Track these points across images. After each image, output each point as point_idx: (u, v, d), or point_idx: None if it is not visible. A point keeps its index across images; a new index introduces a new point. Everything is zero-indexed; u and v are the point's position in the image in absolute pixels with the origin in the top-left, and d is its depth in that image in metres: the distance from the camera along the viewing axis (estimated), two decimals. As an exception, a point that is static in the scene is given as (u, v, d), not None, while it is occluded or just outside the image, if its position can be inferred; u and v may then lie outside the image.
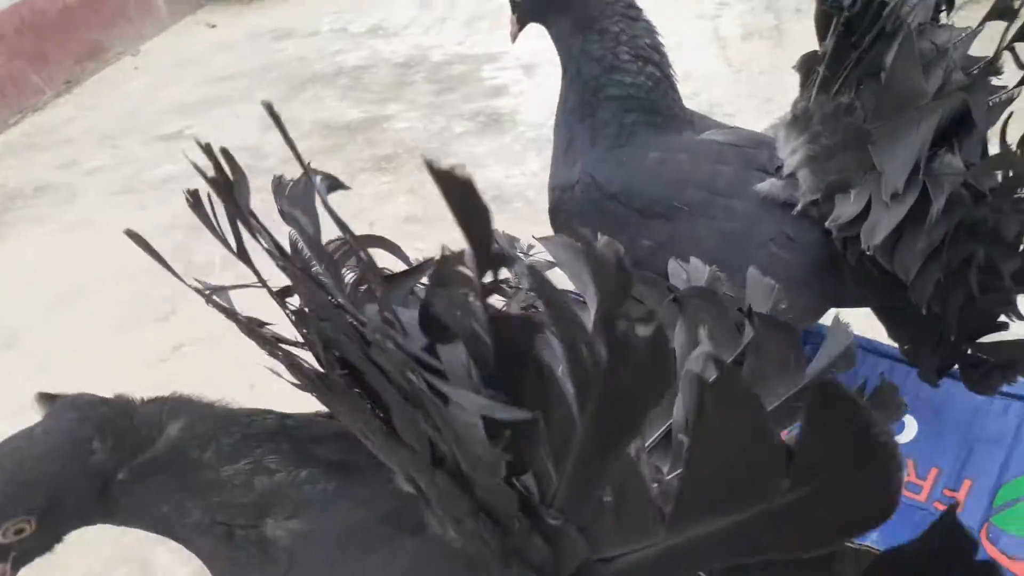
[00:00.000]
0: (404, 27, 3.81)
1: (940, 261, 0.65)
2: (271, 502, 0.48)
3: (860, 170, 0.69)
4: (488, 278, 0.30)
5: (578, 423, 0.33)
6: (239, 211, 0.40)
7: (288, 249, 0.45)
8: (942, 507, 0.74)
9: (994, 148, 0.68)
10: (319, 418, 0.55)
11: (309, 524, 0.47)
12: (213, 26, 4.23)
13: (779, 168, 0.79)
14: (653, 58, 0.85)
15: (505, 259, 0.30)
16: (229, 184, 0.39)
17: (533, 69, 3.04)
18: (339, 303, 0.39)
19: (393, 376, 0.37)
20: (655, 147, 0.82)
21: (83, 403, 0.48)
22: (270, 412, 0.54)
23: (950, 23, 0.73)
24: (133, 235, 0.46)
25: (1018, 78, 0.66)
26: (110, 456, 0.47)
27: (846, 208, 0.69)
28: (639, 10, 0.87)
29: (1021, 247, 0.66)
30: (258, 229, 0.41)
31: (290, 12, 4.25)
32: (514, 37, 0.95)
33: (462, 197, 0.28)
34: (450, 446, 0.36)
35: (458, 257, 0.31)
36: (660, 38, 0.87)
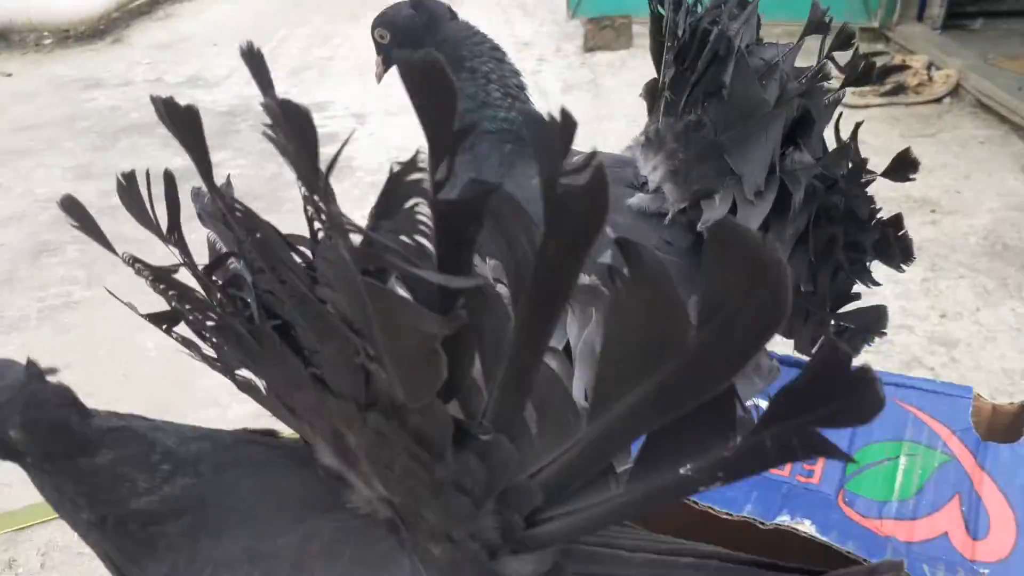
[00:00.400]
0: (225, 77, 3.71)
1: (807, 245, 0.73)
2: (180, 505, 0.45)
3: (720, 177, 0.75)
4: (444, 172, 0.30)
5: (512, 319, 0.34)
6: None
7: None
8: (803, 479, 0.80)
9: (833, 143, 0.77)
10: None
11: (216, 511, 0.45)
12: (8, 75, 3.92)
13: (644, 184, 0.84)
14: (521, 96, 0.89)
15: (465, 133, 0.31)
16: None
17: (364, 118, 3.05)
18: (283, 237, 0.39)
19: (336, 303, 0.37)
20: (535, 174, 0.85)
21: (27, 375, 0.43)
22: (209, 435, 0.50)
23: (774, 42, 0.82)
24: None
25: (840, 82, 0.76)
26: (27, 443, 0.43)
27: (714, 211, 0.75)
28: (503, 52, 0.90)
29: (874, 221, 0.75)
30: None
31: (95, 62, 4.03)
32: (379, 78, 0.96)
33: (426, 77, 0.28)
34: (386, 364, 0.35)
35: (411, 164, 0.32)
36: (522, 78, 0.92)
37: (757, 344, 0.29)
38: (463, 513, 0.39)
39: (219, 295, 0.43)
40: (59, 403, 0.44)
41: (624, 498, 0.37)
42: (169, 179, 0.47)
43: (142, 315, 0.48)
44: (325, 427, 0.45)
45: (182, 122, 0.37)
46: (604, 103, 3.22)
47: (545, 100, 3.36)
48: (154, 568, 0.45)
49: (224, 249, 0.46)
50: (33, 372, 0.43)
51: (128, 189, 0.43)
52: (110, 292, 0.54)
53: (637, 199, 0.83)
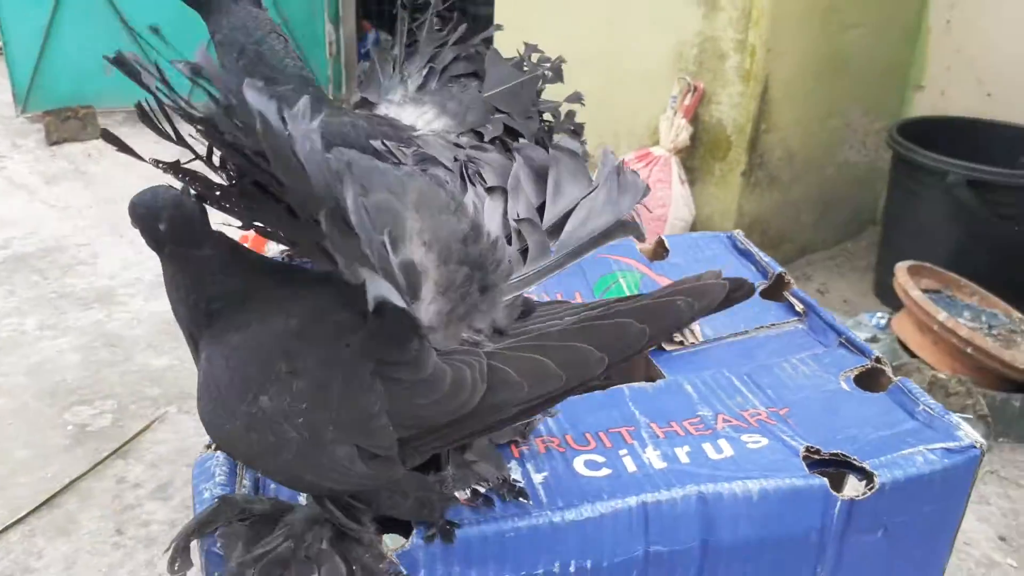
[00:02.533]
0: None
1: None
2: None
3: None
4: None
5: None
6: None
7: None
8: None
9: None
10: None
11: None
12: None
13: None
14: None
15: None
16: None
17: None
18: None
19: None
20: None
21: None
22: None
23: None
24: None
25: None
26: (167, 234, 0.56)
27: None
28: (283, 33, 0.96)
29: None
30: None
31: None
32: None
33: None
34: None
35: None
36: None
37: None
38: None
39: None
40: (191, 211, 0.56)
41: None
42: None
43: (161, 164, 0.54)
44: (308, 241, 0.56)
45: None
46: (104, 187, 3.08)
47: (31, 192, 3.07)
48: (208, 339, 0.57)
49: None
50: (182, 192, 0.56)
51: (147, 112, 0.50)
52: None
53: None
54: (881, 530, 0.72)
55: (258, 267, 0.59)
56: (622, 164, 0.68)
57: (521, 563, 0.64)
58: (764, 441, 0.75)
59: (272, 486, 0.69)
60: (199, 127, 0.48)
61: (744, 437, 0.76)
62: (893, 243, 2.45)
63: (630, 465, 0.72)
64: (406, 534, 0.63)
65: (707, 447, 0.75)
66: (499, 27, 1.13)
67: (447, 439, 0.55)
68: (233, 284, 0.57)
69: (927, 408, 0.78)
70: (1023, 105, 2.43)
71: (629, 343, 0.54)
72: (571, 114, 1.05)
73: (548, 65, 1.05)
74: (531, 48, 1.07)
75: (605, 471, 0.71)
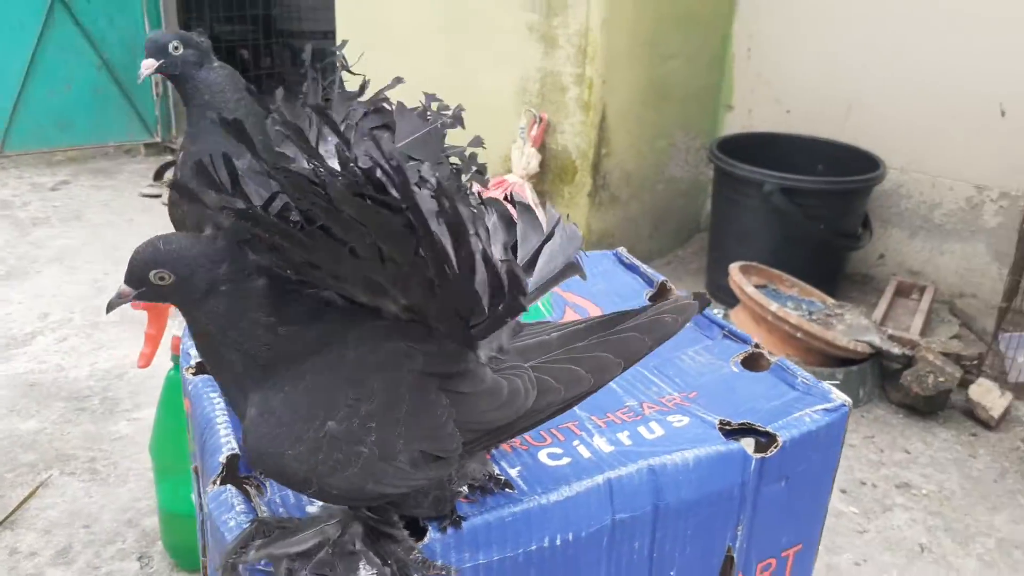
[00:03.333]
0: None
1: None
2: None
3: None
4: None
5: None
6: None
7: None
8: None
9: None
10: None
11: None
12: None
13: None
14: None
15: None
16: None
17: None
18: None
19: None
20: None
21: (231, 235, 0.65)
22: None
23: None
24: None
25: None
26: (224, 271, 0.64)
27: None
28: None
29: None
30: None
31: None
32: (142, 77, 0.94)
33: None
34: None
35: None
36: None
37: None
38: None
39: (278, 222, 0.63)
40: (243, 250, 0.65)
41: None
42: (227, 159, 0.62)
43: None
44: (357, 280, 0.66)
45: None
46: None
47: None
48: (262, 376, 0.65)
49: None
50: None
51: (200, 170, 0.58)
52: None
53: None
54: (784, 480, 0.90)
55: (292, 301, 0.67)
56: (564, 217, 0.82)
57: (518, 542, 0.76)
58: (686, 419, 0.92)
59: (281, 508, 0.77)
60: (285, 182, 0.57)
61: (669, 418, 0.92)
62: (719, 247, 2.76)
63: (584, 452, 0.86)
64: (421, 532, 0.73)
65: (642, 430, 0.90)
66: (400, 80, 1.25)
67: (497, 438, 0.67)
68: (287, 315, 0.65)
69: (804, 380, 0.98)
70: (816, 119, 2.83)
71: (637, 351, 0.69)
72: (473, 156, 1.18)
73: (449, 113, 1.18)
74: (431, 98, 1.20)
75: (566, 459, 0.85)
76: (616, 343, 0.70)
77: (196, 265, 0.64)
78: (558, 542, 0.78)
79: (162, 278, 0.64)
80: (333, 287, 0.66)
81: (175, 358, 1.35)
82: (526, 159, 2.57)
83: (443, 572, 0.71)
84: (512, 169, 2.62)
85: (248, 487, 0.79)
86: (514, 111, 2.62)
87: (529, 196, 2.59)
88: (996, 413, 2.10)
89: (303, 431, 0.63)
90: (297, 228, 0.62)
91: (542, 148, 2.59)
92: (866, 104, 2.63)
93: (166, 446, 1.43)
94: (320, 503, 0.76)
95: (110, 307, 0.68)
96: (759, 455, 0.87)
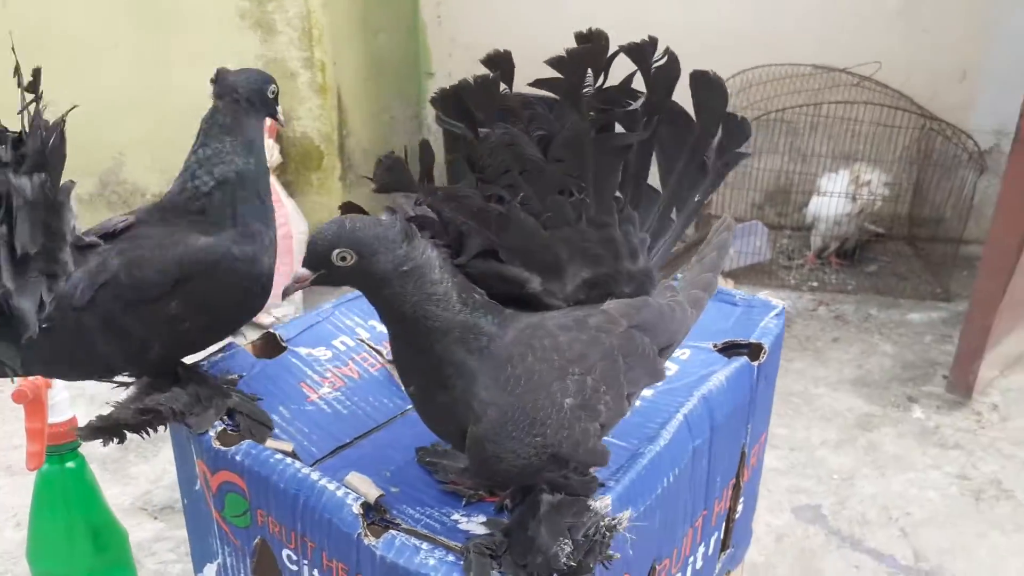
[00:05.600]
0: None
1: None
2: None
3: None
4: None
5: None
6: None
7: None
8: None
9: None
10: None
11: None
12: None
13: None
14: None
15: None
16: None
17: None
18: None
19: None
20: None
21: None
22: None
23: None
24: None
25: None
26: (405, 251, 0.67)
27: None
28: None
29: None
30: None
31: None
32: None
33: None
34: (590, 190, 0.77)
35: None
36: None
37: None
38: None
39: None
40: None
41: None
42: (424, 145, 0.64)
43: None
44: (542, 260, 0.76)
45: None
46: None
47: None
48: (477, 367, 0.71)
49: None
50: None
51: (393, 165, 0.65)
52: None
53: None
54: (764, 377, 1.09)
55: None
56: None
57: (651, 491, 0.86)
58: (687, 352, 1.06)
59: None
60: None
61: (677, 354, 1.06)
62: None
63: (646, 391, 0.97)
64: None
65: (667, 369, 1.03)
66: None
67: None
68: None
69: (741, 297, 1.18)
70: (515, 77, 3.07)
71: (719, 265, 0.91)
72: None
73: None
74: None
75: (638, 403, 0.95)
76: (708, 264, 0.86)
77: (380, 245, 0.64)
78: (669, 480, 0.89)
79: (343, 258, 0.64)
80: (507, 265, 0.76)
81: (53, 450, 1.15)
82: (266, 151, 2.46)
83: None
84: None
85: (397, 523, 0.78)
86: (239, 104, 2.48)
87: (278, 190, 2.49)
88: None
89: (548, 415, 0.68)
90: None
91: (279, 138, 2.49)
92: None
93: (47, 551, 1.21)
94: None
95: (286, 293, 0.66)
96: (755, 363, 1.05)
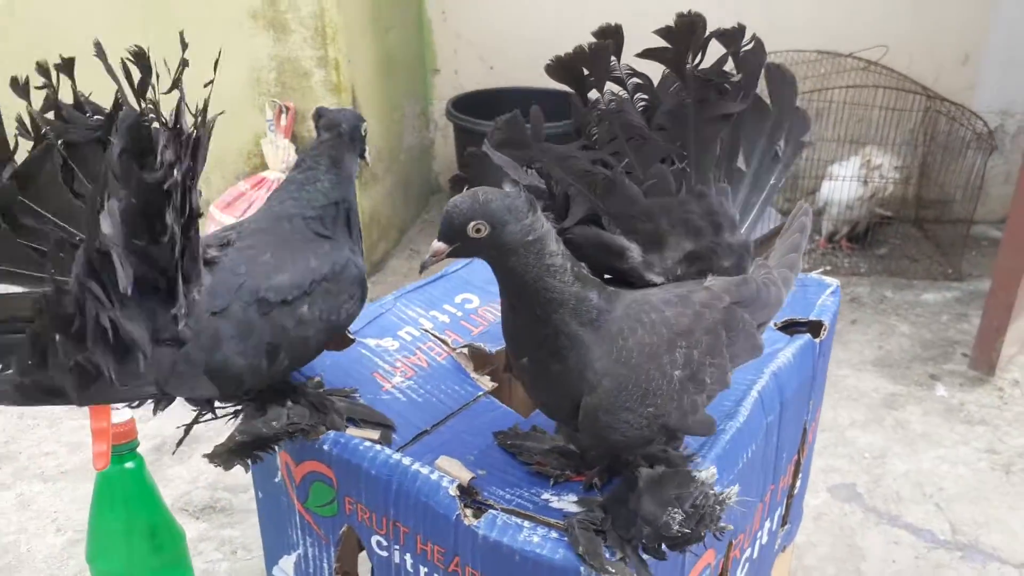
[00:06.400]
0: None
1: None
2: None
3: None
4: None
5: None
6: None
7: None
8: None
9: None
10: None
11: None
12: None
13: None
14: None
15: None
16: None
17: None
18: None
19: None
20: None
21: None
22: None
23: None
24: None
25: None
26: (530, 221, 0.68)
27: None
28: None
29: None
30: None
31: None
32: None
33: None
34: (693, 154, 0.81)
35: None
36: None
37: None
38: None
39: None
40: None
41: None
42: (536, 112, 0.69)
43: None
44: (643, 229, 0.78)
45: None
46: None
47: None
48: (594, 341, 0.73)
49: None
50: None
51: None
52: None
53: None
54: (823, 355, 1.11)
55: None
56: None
57: (737, 463, 0.87)
58: (748, 331, 1.07)
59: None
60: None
61: (736, 334, 1.07)
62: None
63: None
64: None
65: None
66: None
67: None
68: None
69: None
70: (516, 73, 3.07)
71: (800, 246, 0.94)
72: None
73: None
74: None
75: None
76: (792, 244, 0.90)
77: (510, 216, 0.66)
78: (748, 456, 0.90)
79: (478, 230, 0.66)
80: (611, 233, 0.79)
81: (113, 451, 1.14)
82: (282, 152, 2.45)
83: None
84: (269, 165, 2.48)
85: (490, 504, 0.78)
86: (251, 104, 2.47)
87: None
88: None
89: (657, 387, 0.70)
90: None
91: (295, 138, 2.49)
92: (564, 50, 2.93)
93: (107, 551, 1.21)
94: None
95: (423, 267, 0.69)
96: (817, 340, 1.06)
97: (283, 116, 2.46)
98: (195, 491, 1.71)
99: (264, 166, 2.52)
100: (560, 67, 0.78)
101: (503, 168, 0.81)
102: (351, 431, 0.87)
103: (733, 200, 0.84)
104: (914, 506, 1.69)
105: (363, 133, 0.93)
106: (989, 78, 2.93)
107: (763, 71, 0.82)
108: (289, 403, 0.86)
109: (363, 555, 0.95)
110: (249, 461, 0.84)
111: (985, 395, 2.06)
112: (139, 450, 1.18)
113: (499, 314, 1.11)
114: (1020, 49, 2.82)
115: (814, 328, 1.07)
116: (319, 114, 0.92)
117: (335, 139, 0.90)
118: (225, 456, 0.83)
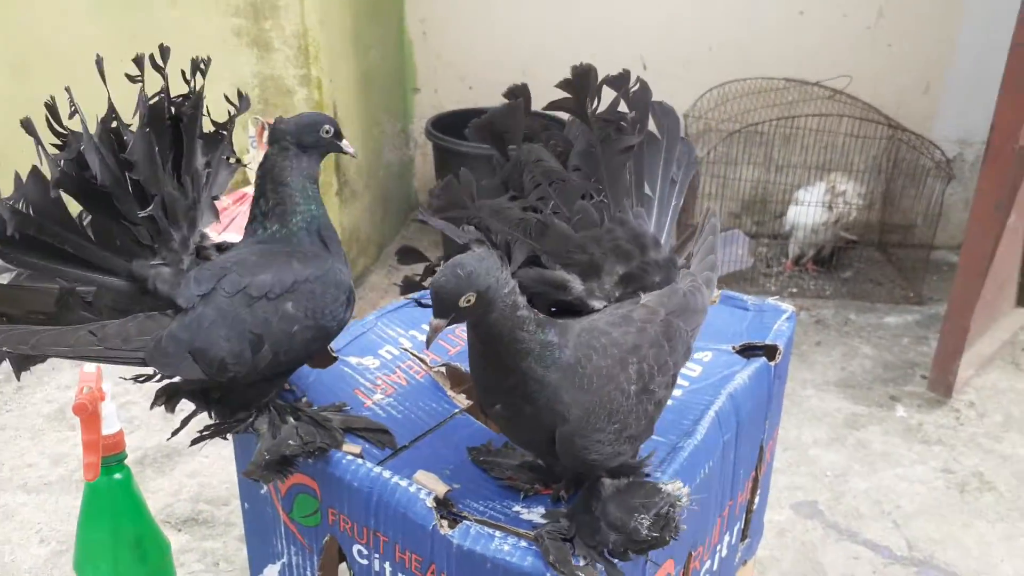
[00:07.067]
0: None
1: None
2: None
3: None
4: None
5: None
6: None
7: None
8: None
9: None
10: None
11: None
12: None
13: None
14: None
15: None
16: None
17: None
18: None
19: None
20: None
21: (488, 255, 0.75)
22: None
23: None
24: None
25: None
26: (505, 278, 0.74)
27: None
28: None
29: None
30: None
31: None
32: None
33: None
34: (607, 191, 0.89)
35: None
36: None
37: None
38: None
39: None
40: None
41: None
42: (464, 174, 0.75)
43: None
44: (579, 261, 0.86)
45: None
46: None
47: None
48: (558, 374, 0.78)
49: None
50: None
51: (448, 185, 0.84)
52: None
53: None
54: (779, 377, 1.18)
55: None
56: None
57: (696, 476, 0.93)
58: (709, 354, 1.14)
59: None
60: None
61: (696, 355, 1.13)
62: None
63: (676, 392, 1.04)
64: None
65: (686, 370, 1.11)
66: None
67: None
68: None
69: (753, 302, 1.26)
70: (494, 93, 3.14)
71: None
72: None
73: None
74: None
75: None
76: (708, 246, 0.99)
77: (491, 278, 0.71)
78: (705, 471, 0.97)
79: (468, 300, 0.70)
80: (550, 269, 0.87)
81: (105, 461, 1.18)
82: (264, 169, 2.50)
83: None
84: (251, 180, 2.53)
85: (465, 515, 0.84)
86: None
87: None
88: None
89: (619, 405, 0.77)
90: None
91: (276, 155, 2.53)
92: (539, 73, 3.01)
93: (94, 561, 1.25)
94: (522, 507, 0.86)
95: (429, 342, 0.73)
96: (772, 363, 1.13)
97: (265, 133, 2.51)
98: (177, 503, 1.74)
99: (246, 182, 2.56)
100: (480, 130, 0.88)
101: (444, 232, 0.88)
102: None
103: (648, 222, 0.92)
104: (873, 523, 1.76)
105: (325, 134, 0.94)
106: (949, 108, 3.05)
107: (651, 108, 0.92)
108: (291, 420, 0.92)
109: (343, 566, 1.00)
110: (283, 474, 0.92)
111: (942, 416, 2.14)
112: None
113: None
114: (978, 80, 2.93)
115: (769, 352, 1.14)
116: (271, 127, 0.95)
117: (280, 154, 0.92)
118: (259, 472, 0.91)
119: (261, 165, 0.94)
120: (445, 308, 0.71)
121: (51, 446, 1.91)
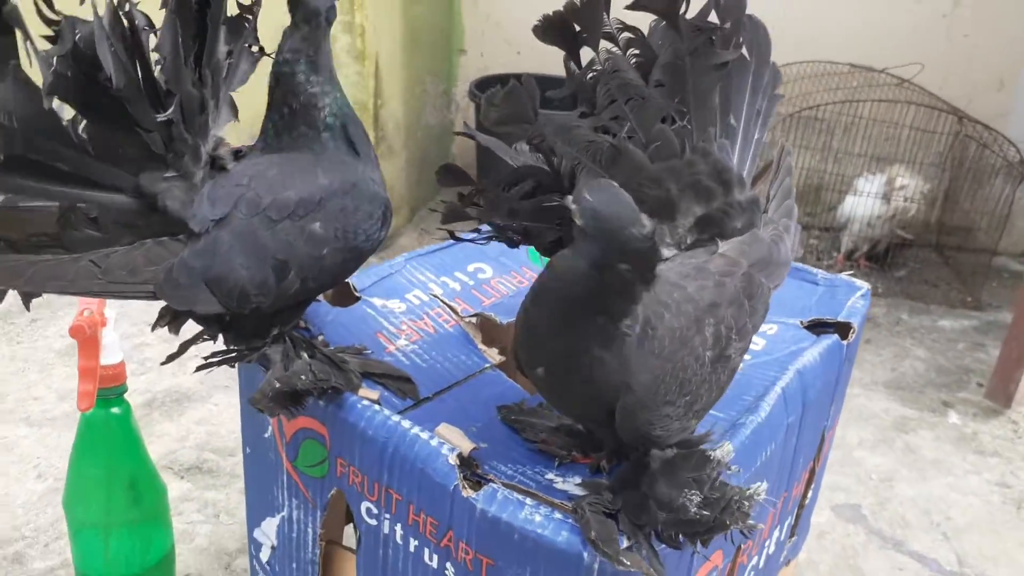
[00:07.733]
0: None
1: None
2: None
3: None
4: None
5: None
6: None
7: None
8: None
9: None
10: None
11: None
12: None
13: None
14: None
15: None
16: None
17: None
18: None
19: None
20: None
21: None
22: None
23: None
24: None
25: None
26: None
27: None
28: None
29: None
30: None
31: None
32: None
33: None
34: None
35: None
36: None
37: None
38: None
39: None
40: None
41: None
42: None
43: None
44: (653, 196, 0.73)
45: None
46: None
47: None
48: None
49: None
50: None
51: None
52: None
53: None
54: (849, 359, 1.05)
55: None
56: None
57: (756, 457, 0.82)
58: (774, 327, 1.02)
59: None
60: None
61: (763, 329, 1.01)
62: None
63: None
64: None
65: (755, 344, 0.98)
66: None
67: None
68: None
69: (823, 276, 1.14)
70: (544, 60, 3.01)
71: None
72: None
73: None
74: None
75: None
76: (786, 189, 0.85)
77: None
78: (766, 454, 0.85)
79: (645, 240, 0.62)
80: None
81: (100, 394, 1.09)
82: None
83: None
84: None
85: (491, 478, 0.73)
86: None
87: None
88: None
89: (692, 374, 0.66)
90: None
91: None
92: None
93: (85, 498, 1.16)
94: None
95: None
96: (845, 342, 1.01)
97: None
98: (182, 450, 1.66)
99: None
100: (550, 26, 0.74)
101: (494, 151, 0.76)
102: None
103: (731, 157, 0.79)
104: (921, 533, 1.63)
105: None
106: (1022, 107, 2.87)
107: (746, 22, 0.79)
108: (305, 355, 0.82)
109: (349, 528, 0.90)
110: (291, 409, 0.80)
111: (999, 427, 2.00)
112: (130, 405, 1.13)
113: (511, 287, 1.06)
114: (1058, 81, 2.76)
115: (842, 330, 1.01)
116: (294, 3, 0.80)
117: (314, 33, 0.79)
118: (265, 403, 0.79)
119: (290, 48, 0.80)
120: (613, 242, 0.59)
121: (59, 381, 1.84)
